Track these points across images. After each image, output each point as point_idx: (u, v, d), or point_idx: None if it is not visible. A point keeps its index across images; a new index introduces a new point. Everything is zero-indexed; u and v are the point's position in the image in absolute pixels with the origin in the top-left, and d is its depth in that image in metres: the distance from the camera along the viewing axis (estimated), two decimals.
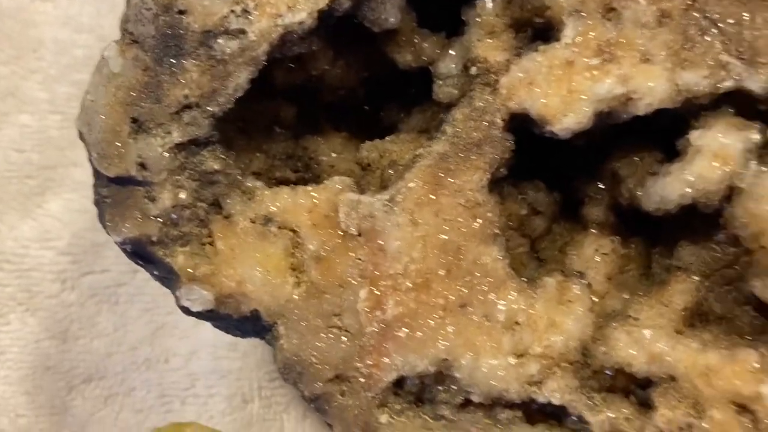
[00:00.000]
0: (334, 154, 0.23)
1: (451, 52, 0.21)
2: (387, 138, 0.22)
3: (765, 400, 0.18)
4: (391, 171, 0.21)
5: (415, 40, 0.21)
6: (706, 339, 0.19)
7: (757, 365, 0.19)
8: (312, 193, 0.20)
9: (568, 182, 0.22)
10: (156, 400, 0.29)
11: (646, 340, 0.19)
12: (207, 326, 0.22)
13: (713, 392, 0.19)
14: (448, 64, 0.21)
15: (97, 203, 0.19)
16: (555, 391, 0.19)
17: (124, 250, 0.19)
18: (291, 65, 0.21)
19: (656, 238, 0.21)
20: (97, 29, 0.32)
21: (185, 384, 0.29)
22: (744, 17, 0.19)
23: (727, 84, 0.19)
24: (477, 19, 0.21)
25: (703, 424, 0.18)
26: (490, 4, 0.21)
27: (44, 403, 0.29)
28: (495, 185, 0.20)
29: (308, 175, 0.23)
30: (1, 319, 0.30)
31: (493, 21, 0.21)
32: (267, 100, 0.22)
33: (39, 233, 0.30)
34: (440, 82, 0.21)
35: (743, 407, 0.18)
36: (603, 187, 0.21)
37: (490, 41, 0.20)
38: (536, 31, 0.20)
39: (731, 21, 0.19)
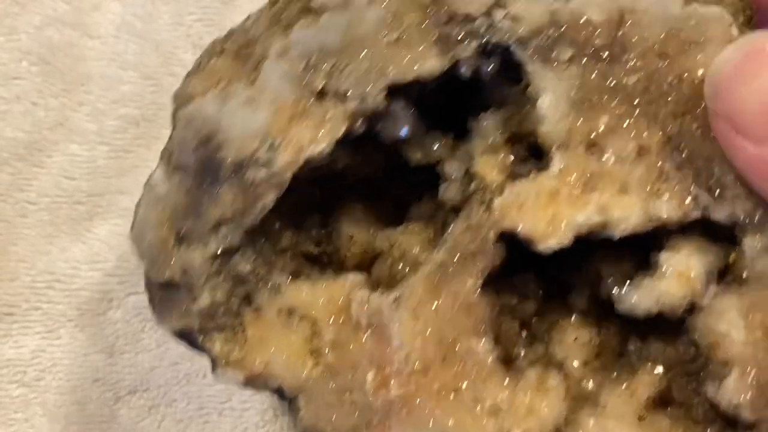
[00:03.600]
0: (352, 225, 0.26)
1: (455, 157, 0.24)
2: (398, 229, 0.25)
3: None
4: (400, 264, 0.24)
5: (425, 143, 0.24)
6: (664, 426, 0.23)
7: None
8: (329, 289, 0.23)
9: (557, 272, 0.25)
10: (195, 411, 0.33)
11: (610, 429, 0.22)
12: None
13: None
14: (453, 167, 0.24)
15: (149, 300, 0.23)
16: None
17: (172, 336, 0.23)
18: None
19: (632, 325, 0.24)
20: (140, 67, 0.34)
21: (222, 398, 0.33)
22: (714, 154, 0.21)
23: (696, 214, 0.21)
24: (480, 130, 0.23)
25: None
26: (490, 120, 0.23)
27: (93, 412, 0.33)
28: (488, 283, 0.23)
29: (329, 247, 0.26)
30: (53, 333, 0.33)
31: (493, 135, 0.23)
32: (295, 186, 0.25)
33: (88, 255, 0.33)
34: (445, 184, 0.24)
35: None
36: (586, 281, 0.24)
37: (489, 158, 0.23)
38: (530, 145, 0.23)
39: (703, 157, 0.21)
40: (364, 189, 0.26)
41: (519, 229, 0.22)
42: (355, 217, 0.26)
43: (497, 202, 0.22)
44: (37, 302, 0.33)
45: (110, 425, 0.33)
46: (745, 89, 0.18)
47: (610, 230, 0.22)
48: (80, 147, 0.34)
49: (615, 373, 0.24)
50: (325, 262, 0.26)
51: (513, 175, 0.22)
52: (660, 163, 0.21)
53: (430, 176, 0.25)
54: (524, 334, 0.25)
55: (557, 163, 0.22)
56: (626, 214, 0.21)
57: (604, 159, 0.21)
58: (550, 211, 0.22)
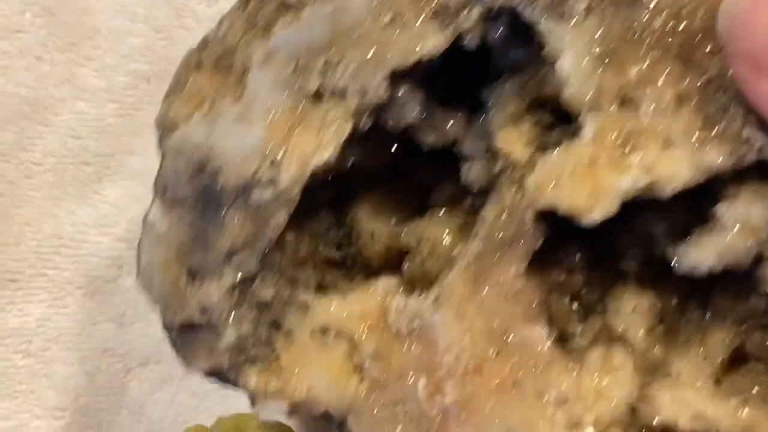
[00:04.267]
0: (371, 220, 0.24)
1: (473, 134, 0.22)
2: (422, 219, 0.23)
3: None
4: (432, 259, 0.22)
5: (437, 123, 0.22)
6: (745, 388, 0.21)
7: None
8: (360, 300, 0.21)
9: (603, 237, 0.23)
10: (211, 384, 0.30)
11: (688, 400, 0.21)
12: None
13: None
14: (472, 145, 0.22)
15: (171, 343, 0.21)
16: None
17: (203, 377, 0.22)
18: None
19: (694, 282, 0.22)
20: (151, 19, 0.32)
21: None
22: None
23: (751, 157, 0.19)
24: (495, 101, 0.21)
25: None
26: (506, 88, 0.21)
27: (102, 384, 0.31)
28: (531, 263, 0.21)
29: (352, 249, 0.24)
30: (59, 301, 0.31)
31: (511, 104, 0.21)
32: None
33: (96, 219, 0.31)
34: (467, 165, 0.22)
35: None
36: (636, 243, 0.22)
37: (511, 132, 0.21)
38: (555, 110, 0.20)
39: None
40: (379, 179, 0.24)
41: (558, 205, 0.20)
42: (373, 211, 0.24)
43: (530, 179, 0.20)
44: (43, 268, 0.31)
45: (120, 398, 0.31)
46: (766, 22, 0.16)
47: (659, 190, 0.20)
48: (87, 104, 0.32)
49: (683, 337, 0.22)
50: (350, 265, 0.24)
51: (542, 147, 0.20)
52: (704, 108, 0.19)
53: (450, 158, 0.22)
54: (576, 308, 0.23)
55: (590, 127, 0.19)
56: (675, 171, 0.19)
57: (641, 114, 0.19)
58: (590, 182, 0.19)
